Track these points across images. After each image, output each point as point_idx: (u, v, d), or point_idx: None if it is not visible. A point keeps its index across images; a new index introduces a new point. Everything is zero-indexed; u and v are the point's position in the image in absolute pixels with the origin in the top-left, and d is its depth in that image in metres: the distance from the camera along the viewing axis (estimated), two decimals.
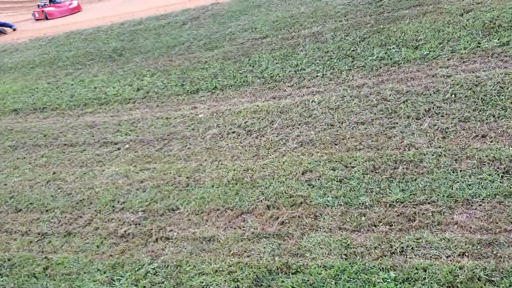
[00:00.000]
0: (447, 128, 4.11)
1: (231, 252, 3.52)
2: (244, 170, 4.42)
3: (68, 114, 6.99)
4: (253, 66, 6.45)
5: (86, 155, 5.64)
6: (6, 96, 8.29)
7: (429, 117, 4.33)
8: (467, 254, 2.95)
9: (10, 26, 13.64)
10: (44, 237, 4.39)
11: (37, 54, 9.97)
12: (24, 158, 6.06)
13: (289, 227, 3.61)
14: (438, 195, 3.45)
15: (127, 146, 5.56)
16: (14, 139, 6.64)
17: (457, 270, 2.85)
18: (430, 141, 4.02)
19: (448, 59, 5.09)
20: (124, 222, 4.23)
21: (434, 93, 4.63)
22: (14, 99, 8.08)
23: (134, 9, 11.72)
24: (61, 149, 5.99)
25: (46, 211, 4.77)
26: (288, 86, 5.70)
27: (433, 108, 4.42)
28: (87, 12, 14.02)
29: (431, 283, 2.83)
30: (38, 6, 15.33)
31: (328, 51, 6.05)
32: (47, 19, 14.41)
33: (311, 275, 3.13)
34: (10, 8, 20.00)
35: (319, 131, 4.67)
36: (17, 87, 8.59)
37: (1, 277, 4.05)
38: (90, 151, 5.71)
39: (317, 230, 3.49)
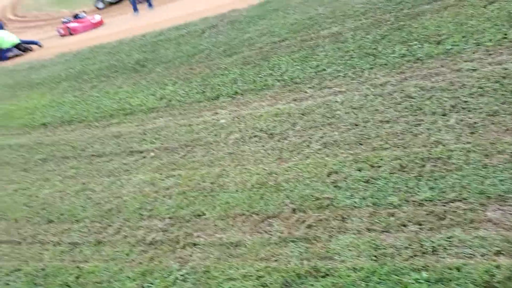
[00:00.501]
0: (475, 123, 4.01)
1: (259, 256, 3.51)
2: (267, 173, 4.41)
3: (94, 125, 7.11)
4: (272, 70, 6.44)
5: (113, 165, 5.71)
6: (35, 111, 8.50)
7: (456, 112, 4.23)
8: (503, 253, 2.85)
9: (36, 43, 13.99)
10: (75, 246, 4.47)
11: (63, 69, 10.19)
12: (54, 170, 6.19)
13: (316, 230, 3.57)
14: (469, 192, 3.35)
15: (152, 154, 5.62)
16: (44, 152, 6.79)
17: (494, 269, 2.75)
18: (457, 137, 3.93)
19: (473, 53, 4.97)
20: (152, 229, 4.26)
21: (459, 88, 4.53)
22: (42, 114, 8.27)
23: (155, 21, 11.87)
24: (89, 160, 6.09)
25: (77, 221, 4.85)
26: (309, 88, 5.66)
27: (459, 103, 4.32)
28: (109, 26, 14.28)
29: (466, 283, 2.75)
30: (63, 22, 15.66)
31: (348, 51, 6.00)
32: (71, 34, 14.72)
33: (341, 278, 3.08)
34: (35, 26, 20.51)
35: (343, 132, 4.62)
36: (45, 101, 8.79)
37: (36, 287, 4.14)
38: (117, 160, 5.79)
39: (345, 232, 3.45)
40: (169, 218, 4.32)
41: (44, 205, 5.38)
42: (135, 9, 14.86)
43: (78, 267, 4.15)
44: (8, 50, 13.16)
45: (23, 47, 13.52)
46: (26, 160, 6.78)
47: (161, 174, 5.10)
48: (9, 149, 7.36)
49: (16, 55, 13.21)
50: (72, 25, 15.04)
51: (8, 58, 13.15)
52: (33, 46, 13.93)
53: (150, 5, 15.25)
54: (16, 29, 19.93)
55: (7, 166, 6.80)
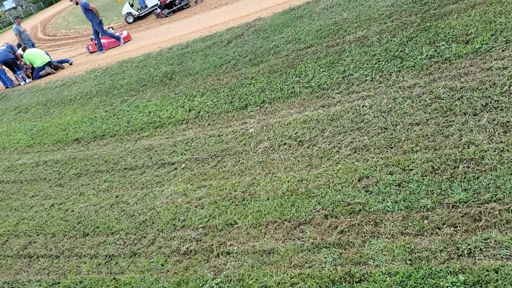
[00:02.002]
0: (508, 122, 3.93)
1: (292, 263, 3.51)
2: (298, 181, 4.42)
3: (126, 139, 7.26)
4: (299, 77, 6.45)
5: (145, 177, 5.82)
6: (68, 127, 8.73)
7: (487, 112, 4.16)
8: None
9: (67, 61, 14.39)
10: (112, 258, 4.56)
11: (94, 85, 10.44)
12: (88, 184, 6.34)
13: (349, 235, 3.56)
14: (504, 192, 3.29)
15: (183, 165, 5.70)
16: (77, 167, 6.97)
17: None
18: (490, 136, 3.86)
19: (502, 50, 4.88)
20: (185, 239, 4.32)
21: (490, 87, 4.45)
22: (75, 129, 8.48)
23: (181, 33, 12.04)
24: (122, 173, 6.21)
25: (112, 233, 4.95)
26: (337, 93, 5.66)
27: (490, 103, 4.25)
28: (137, 40, 14.54)
29: (505, 285, 2.70)
30: (91, 39, 16.05)
31: (375, 54, 5.97)
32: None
33: (376, 282, 3.06)
34: (66, 44, 21.11)
35: (372, 136, 4.60)
36: (77, 117, 9.02)
37: None
38: (149, 173, 5.90)
39: (378, 237, 3.43)
40: (202, 227, 4.38)
41: (80, 218, 5.51)
42: (100, 49, 14.53)
43: (115, 278, 4.24)
44: (41, 68, 13.57)
45: (55, 66, 13.92)
46: (61, 176, 6.96)
47: (192, 184, 5.17)
48: (44, 165, 7.58)
49: (48, 73, 13.60)
50: (101, 41, 15.38)
51: (41, 77, 13.57)
52: (64, 64, 14.31)
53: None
54: (46, 48, 20.55)
55: (43, 182, 7.00)
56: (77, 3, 14.07)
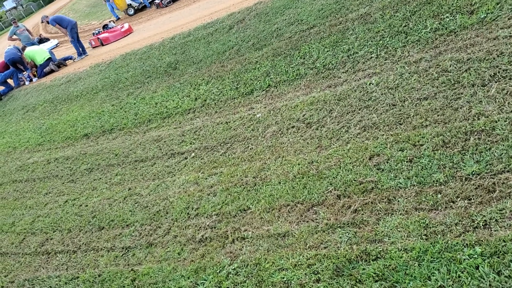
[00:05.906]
0: None
1: (308, 245, 3.53)
2: (308, 163, 4.41)
3: (134, 132, 7.28)
4: (304, 58, 6.40)
5: (156, 168, 5.85)
6: (76, 123, 8.77)
7: (496, 82, 4.11)
8: None
9: (71, 58, 14.39)
10: (128, 250, 4.61)
11: (99, 79, 10.45)
12: (100, 178, 6.38)
13: (363, 214, 3.56)
14: None
15: (193, 154, 5.71)
16: (88, 162, 7.02)
17: None
18: (500, 107, 3.82)
19: (508, 19, 4.79)
20: (200, 227, 4.35)
21: (497, 56, 4.38)
22: (83, 125, 8.52)
23: (182, 22, 11.96)
24: (133, 166, 6.25)
25: (127, 225, 5.00)
26: (343, 72, 5.61)
27: (498, 72, 4.19)
28: (139, 32, 14.49)
29: None
30: (93, 34, 16.05)
31: (379, 31, 5.90)
32: (102, 45, 15.06)
33: (392, 259, 3.06)
34: (68, 40, 21.08)
35: (381, 113, 4.57)
36: (84, 113, 9.05)
37: None
38: (160, 163, 5.92)
39: (392, 214, 3.42)
40: (216, 215, 4.40)
41: (94, 213, 5.57)
42: (80, 54, 14.29)
43: (133, 270, 4.29)
44: (44, 65, 13.58)
45: (58, 63, 13.93)
46: (73, 171, 7.02)
47: (203, 173, 5.19)
48: (55, 162, 7.64)
49: (52, 70, 13.62)
50: (103, 35, 15.39)
51: (45, 74, 13.59)
52: (68, 61, 14.32)
53: None
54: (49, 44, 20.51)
55: (56, 179, 7.07)
56: (48, 22, 13.98)
